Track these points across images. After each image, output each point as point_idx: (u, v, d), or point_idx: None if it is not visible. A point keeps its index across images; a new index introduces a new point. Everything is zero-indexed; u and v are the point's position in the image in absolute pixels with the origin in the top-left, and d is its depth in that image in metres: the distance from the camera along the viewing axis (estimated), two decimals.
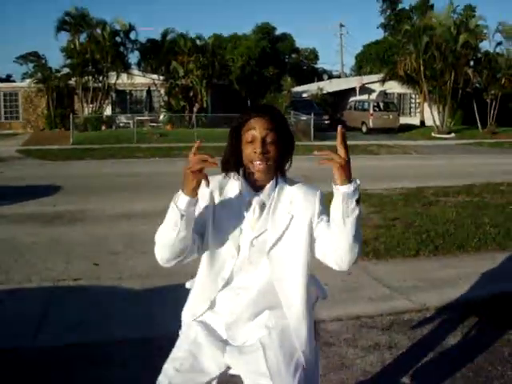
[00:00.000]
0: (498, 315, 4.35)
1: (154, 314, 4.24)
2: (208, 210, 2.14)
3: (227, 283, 2.15)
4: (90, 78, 30.26)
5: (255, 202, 2.13)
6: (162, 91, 31.75)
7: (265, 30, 49.80)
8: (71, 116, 24.01)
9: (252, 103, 30.80)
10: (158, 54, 31.33)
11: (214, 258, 2.15)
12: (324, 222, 2.14)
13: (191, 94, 30.38)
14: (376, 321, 4.26)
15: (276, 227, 2.12)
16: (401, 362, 3.61)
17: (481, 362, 3.61)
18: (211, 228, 2.13)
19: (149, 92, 31.73)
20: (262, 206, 2.13)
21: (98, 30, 30.31)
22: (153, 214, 8.27)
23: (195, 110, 29.27)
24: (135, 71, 32.09)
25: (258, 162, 2.06)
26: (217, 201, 2.15)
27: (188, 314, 2.25)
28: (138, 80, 31.28)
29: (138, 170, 14.42)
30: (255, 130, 2.07)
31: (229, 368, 2.10)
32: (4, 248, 6.37)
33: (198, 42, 32.27)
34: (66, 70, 30.68)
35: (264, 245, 2.11)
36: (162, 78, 31.19)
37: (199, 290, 2.21)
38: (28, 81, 33.38)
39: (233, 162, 2.14)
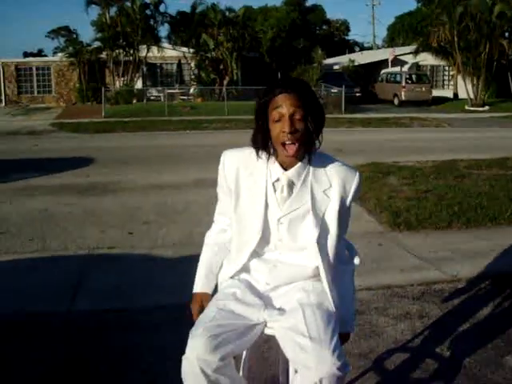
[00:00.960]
0: None
1: (187, 281, 4.31)
2: (231, 186, 2.14)
3: (258, 256, 2.16)
4: (121, 51, 30.37)
5: (284, 180, 2.07)
6: (193, 64, 31.71)
7: (295, 2, 49.16)
8: (103, 89, 24.17)
9: (282, 75, 30.54)
10: (187, 26, 31.24)
11: (241, 232, 2.15)
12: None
13: (221, 66, 30.28)
14: (407, 290, 4.27)
15: (315, 209, 2.07)
16: (432, 332, 3.63)
17: (511, 332, 3.60)
18: (234, 202, 2.13)
19: (179, 65, 31.76)
20: (291, 185, 2.08)
21: (128, 3, 30.33)
22: (183, 185, 8.38)
23: (225, 82, 29.17)
24: (165, 44, 32.10)
25: (288, 146, 1.98)
26: (242, 176, 2.13)
27: (224, 276, 2.27)
28: (168, 53, 31.30)
29: (169, 142, 14.52)
30: (282, 108, 1.96)
31: (266, 325, 2.10)
32: (40, 217, 6.52)
33: (227, 14, 32.05)
34: (97, 44, 30.84)
35: (294, 223, 2.09)
36: (192, 50, 31.11)
37: (233, 256, 2.22)
38: (60, 55, 33.68)
39: (261, 140, 2.07)
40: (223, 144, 14.07)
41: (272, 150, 2.08)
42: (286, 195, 2.08)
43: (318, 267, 2.12)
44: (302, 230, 2.09)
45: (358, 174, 2.14)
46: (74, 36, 33.79)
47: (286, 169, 2.07)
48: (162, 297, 4.11)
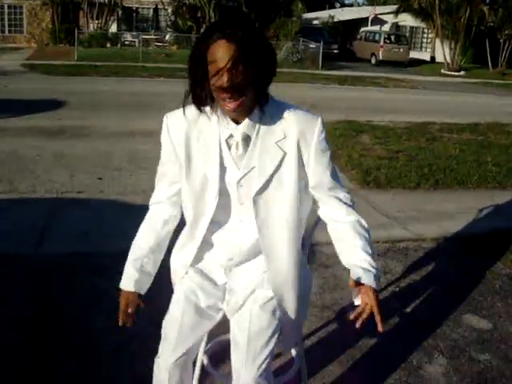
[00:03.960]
0: (491, 250, 4.44)
1: None
2: (180, 153, 1.86)
3: (218, 228, 1.91)
4: None
5: (238, 135, 1.77)
6: (170, 10, 31.00)
7: None
8: (76, 31, 23.52)
9: (261, 26, 30.10)
10: None
11: (196, 202, 1.87)
12: (325, 181, 1.85)
13: (199, 14, 29.65)
14: (372, 247, 4.34)
15: (264, 164, 1.78)
16: (394, 288, 3.72)
17: (472, 292, 3.71)
18: (185, 170, 1.85)
19: (156, 10, 31.04)
20: (247, 140, 1.78)
21: None
22: (155, 132, 8.18)
23: (202, 30, 28.62)
24: None
25: (229, 101, 1.66)
26: (191, 139, 1.84)
27: (177, 259, 2.02)
28: None
29: (143, 89, 14.28)
30: (219, 61, 1.61)
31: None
32: (8, 159, 6.41)
33: None
34: None
35: (251, 184, 1.81)
36: None
37: (188, 231, 1.95)
38: None
39: (204, 96, 1.74)
40: None
41: (219, 104, 1.75)
42: (242, 152, 1.79)
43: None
44: (259, 194, 1.81)
45: (319, 119, 1.82)
46: None
47: (238, 122, 1.77)
48: (130, 243, 4.10)
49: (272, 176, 1.79)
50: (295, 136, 1.78)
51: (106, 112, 10.04)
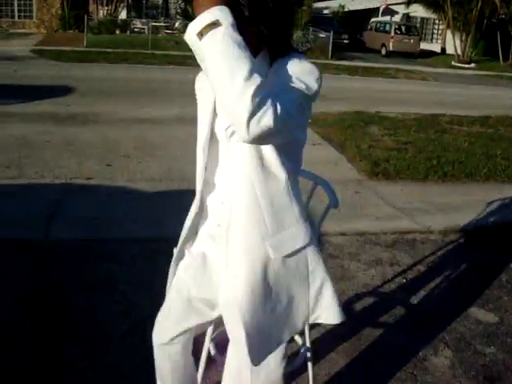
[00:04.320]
0: (499, 243, 4.43)
1: (163, 216, 4.34)
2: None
3: (209, 188, 1.76)
4: None
5: None
6: None
7: None
8: (85, 18, 23.48)
9: None
10: None
11: (197, 154, 1.75)
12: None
13: None
14: (380, 238, 4.35)
15: None
16: (401, 279, 3.72)
17: (478, 286, 3.71)
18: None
19: None
20: None
21: None
22: (164, 120, 8.30)
23: None
24: None
25: None
26: (197, 90, 1.75)
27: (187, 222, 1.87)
28: None
29: (152, 76, 14.26)
30: None
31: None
32: (17, 145, 6.42)
33: None
34: None
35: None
36: None
37: (197, 197, 1.82)
38: None
39: None
40: None
41: None
42: None
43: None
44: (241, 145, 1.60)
45: (317, 69, 1.58)
46: None
47: None
48: (138, 230, 4.13)
49: None
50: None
51: (115, 99, 10.04)
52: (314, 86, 1.55)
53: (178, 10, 31.08)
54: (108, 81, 12.77)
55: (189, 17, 29.28)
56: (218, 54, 1.31)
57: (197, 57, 1.35)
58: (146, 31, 26.00)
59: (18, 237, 3.92)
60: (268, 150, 1.61)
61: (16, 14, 31.92)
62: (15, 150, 6.19)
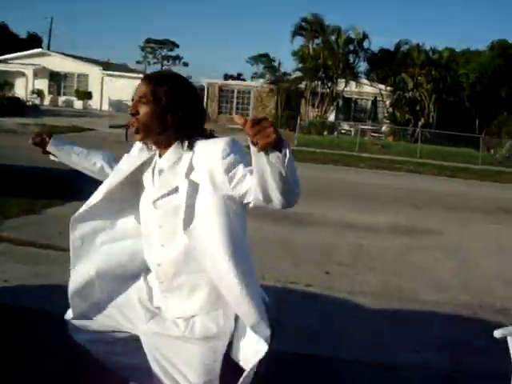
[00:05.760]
0: None
1: (384, 339, 4.06)
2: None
3: (148, 251, 2.15)
4: (319, 83, 31.05)
5: (157, 168, 2.09)
6: (388, 102, 31.43)
7: (501, 47, 46.57)
8: (298, 118, 24.78)
9: (480, 124, 29.11)
10: (388, 64, 31.10)
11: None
12: (246, 175, 1.88)
13: (417, 107, 29.61)
14: None
15: (176, 195, 1.99)
16: None
17: None
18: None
19: (374, 102, 31.63)
20: (161, 172, 2.07)
21: (333, 37, 30.96)
22: (375, 228, 8.12)
23: (420, 124, 28.43)
24: (363, 80, 32.20)
25: (132, 126, 2.00)
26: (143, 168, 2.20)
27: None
28: (364, 89, 31.34)
29: (359, 179, 14.34)
30: (135, 94, 2.02)
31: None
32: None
33: (431, 54, 31.34)
34: (297, 74, 31.81)
35: (172, 212, 1.99)
36: (389, 88, 30.86)
37: None
38: (261, 81, 35.33)
39: None
40: (415, 189, 13.32)
41: None
42: (158, 183, 2.08)
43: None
44: (178, 221, 1.95)
45: (224, 139, 1.95)
46: (275, 64, 35.27)
47: (160, 156, 2.10)
48: (357, 351, 3.89)
49: (193, 205, 1.92)
50: (203, 165, 1.93)
51: (325, 200, 10.14)
52: (237, 154, 1.95)
53: (386, 114, 31.59)
54: (317, 181, 13.04)
55: (396, 121, 29.57)
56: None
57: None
58: (353, 133, 26.72)
59: None
60: None
61: (234, 111, 34.92)
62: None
